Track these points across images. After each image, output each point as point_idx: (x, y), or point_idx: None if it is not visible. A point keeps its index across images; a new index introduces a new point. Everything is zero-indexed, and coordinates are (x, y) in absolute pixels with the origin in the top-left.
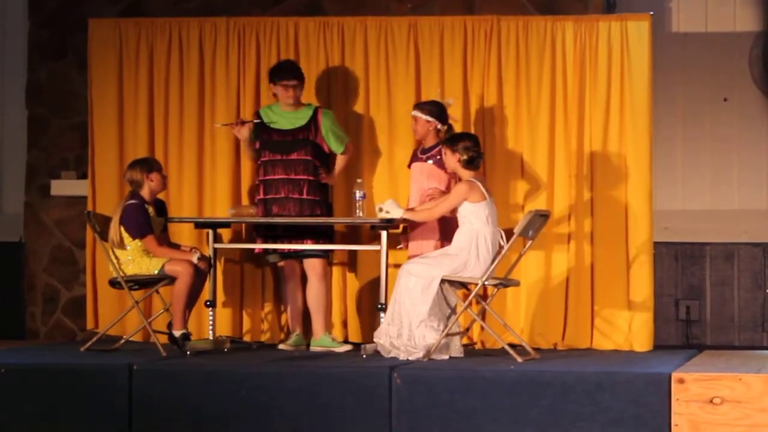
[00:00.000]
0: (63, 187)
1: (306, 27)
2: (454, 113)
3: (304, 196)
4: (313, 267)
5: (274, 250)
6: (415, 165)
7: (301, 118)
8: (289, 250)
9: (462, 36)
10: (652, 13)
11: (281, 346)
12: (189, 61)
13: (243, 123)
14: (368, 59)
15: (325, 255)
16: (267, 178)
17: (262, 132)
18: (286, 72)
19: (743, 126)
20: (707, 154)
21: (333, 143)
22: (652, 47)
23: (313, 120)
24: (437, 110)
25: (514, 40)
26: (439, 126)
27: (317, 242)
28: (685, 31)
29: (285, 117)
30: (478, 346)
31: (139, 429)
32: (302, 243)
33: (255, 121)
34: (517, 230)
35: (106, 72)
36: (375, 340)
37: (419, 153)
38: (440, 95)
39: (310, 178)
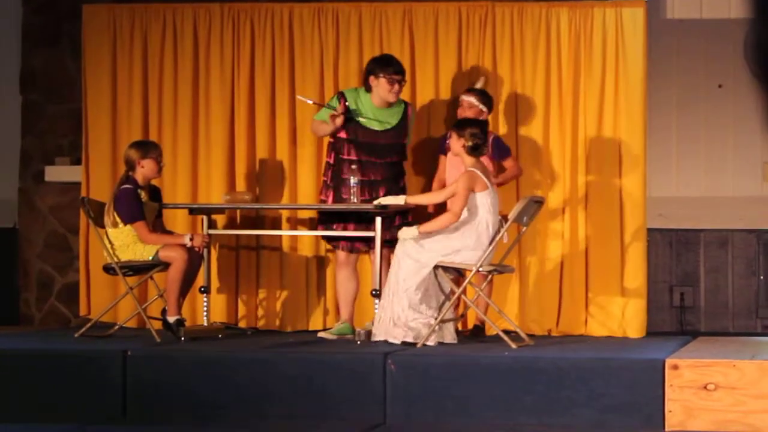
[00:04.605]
0: (57, 173)
1: (300, 13)
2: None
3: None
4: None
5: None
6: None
7: (392, 117)
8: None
9: (456, 22)
10: None
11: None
12: (183, 47)
13: (342, 113)
14: (363, 45)
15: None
16: (365, 179)
17: (349, 123)
18: (396, 64)
19: (738, 112)
20: (702, 140)
21: (408, 137)
22: (646, 34)
23: (404, 119)
24: (488, 100)
25: (508, 27)
26: (486, 117)
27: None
28: (679, 18)
29: (376, 115)
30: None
31: (134, 415)
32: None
33: (359, 119)
34: (511, 216)
35: (101, 58)
36: (368, 325)
37: None
38: (484, 84)
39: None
